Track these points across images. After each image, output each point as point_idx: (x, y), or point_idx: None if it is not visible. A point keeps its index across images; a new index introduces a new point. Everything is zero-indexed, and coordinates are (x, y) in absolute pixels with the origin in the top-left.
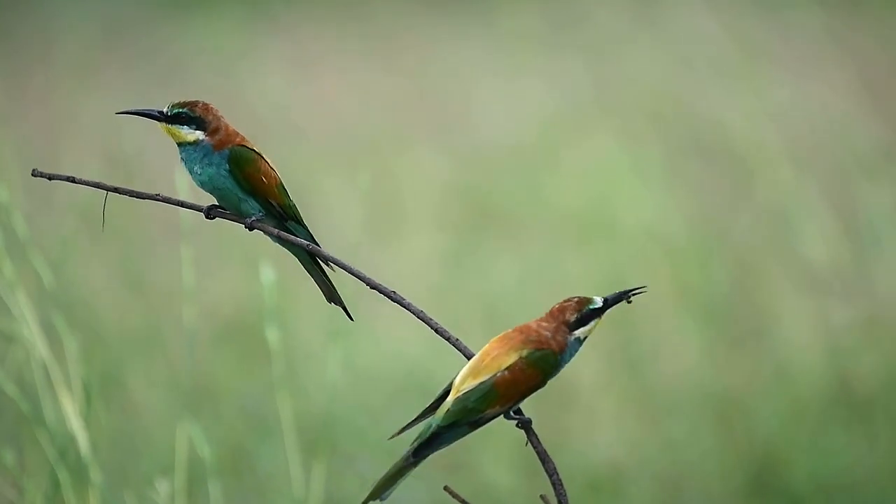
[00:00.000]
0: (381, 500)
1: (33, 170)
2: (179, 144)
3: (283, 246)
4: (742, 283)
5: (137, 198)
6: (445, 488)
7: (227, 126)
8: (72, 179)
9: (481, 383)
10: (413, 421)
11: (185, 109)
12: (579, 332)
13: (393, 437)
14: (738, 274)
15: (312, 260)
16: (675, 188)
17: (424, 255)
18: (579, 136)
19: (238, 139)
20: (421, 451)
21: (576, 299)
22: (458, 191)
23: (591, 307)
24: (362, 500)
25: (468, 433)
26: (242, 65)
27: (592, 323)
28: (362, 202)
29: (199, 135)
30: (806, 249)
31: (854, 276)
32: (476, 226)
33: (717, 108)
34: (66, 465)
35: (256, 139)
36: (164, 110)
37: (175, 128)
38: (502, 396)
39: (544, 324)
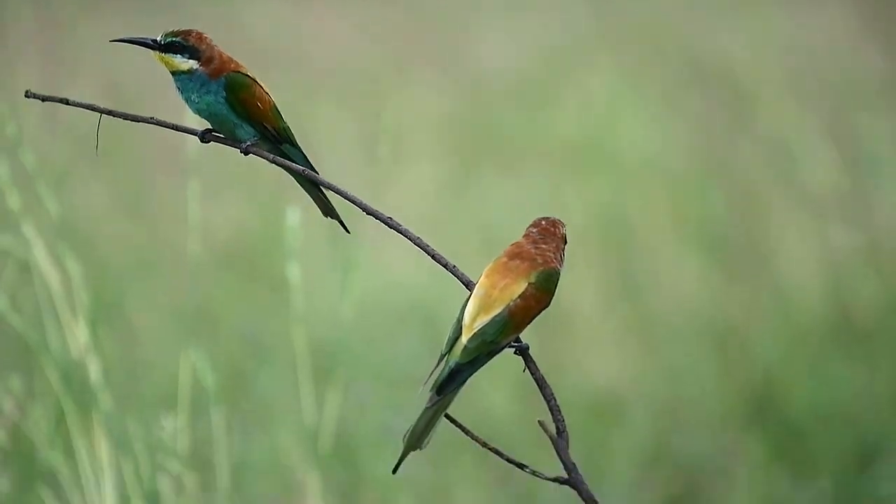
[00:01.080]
0: (421, 448)
1: (26, 91)
2: (173, 73)
3: (281, 165)
4: (742, 212)
5: (132, 120)
6: (446, 416)
7: (220, 54)
8: (65, 101)
9: (496, 316)
10: (431, 373)
11: (178, 38)
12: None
13: (420, 392)
14: (738, 203)
15: (307, 177)
16: (675, 119)
17: (424, 186)
18: (579, 67)
19: (233, 66)
20: (443, 388)
21: (552, 217)
22: (458, 122)
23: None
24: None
25: (486, 363)
26: None
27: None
28: (361, 132)
29: (193, 64)
30: (806, 179)
31: (854, 204)
32: (475, 157)
33: (718, 38)
34: (71, 393)
35: (257, 73)
36: (158, 39)
37: (169, 56)
38: (518, 323)
39: (543, 245)
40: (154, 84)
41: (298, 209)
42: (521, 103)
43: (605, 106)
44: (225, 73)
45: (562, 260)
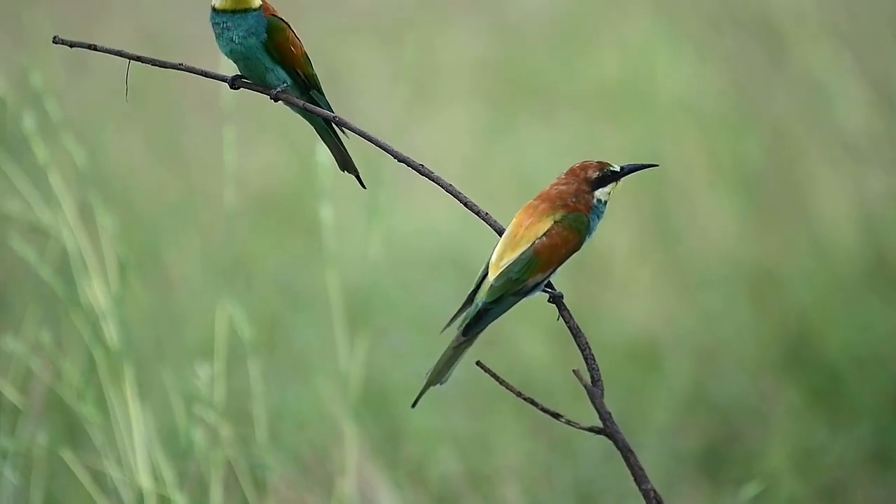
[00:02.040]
0: (441, 384)
1: (54, 37)
2: (230, 12)
3: (304, 116)
4: (777, 155)
5: (160, 66)
6: (478, 363)
7: None
8: (93, 47)
9: (522, 253)
10: (458, 313)
11: None
12: (599, 193)
13: (443, 330)
14: (773, 146)
15: (329, 128)
16: (709, 62)
17: (460, 129)
18: (614, 11)
19: (272, 7)
20: (470, 329)
21: (597, 160)
22: (493, 65)
23: (611, 169)
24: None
25: (513, 304)
26: None
27: (610, 186)
28: (396, 75)
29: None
30: (841, 121)
31: (889, 147)
32: (511, 100)
33: None
34: (101, 345)
35: (291, 16)
36: None
37: None
38: (544, 262)
39: (563, 186)
40: (186, 32)
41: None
42: (556, 47)
43: (639, 50)
44: (268, 15)
45: (586, 202)
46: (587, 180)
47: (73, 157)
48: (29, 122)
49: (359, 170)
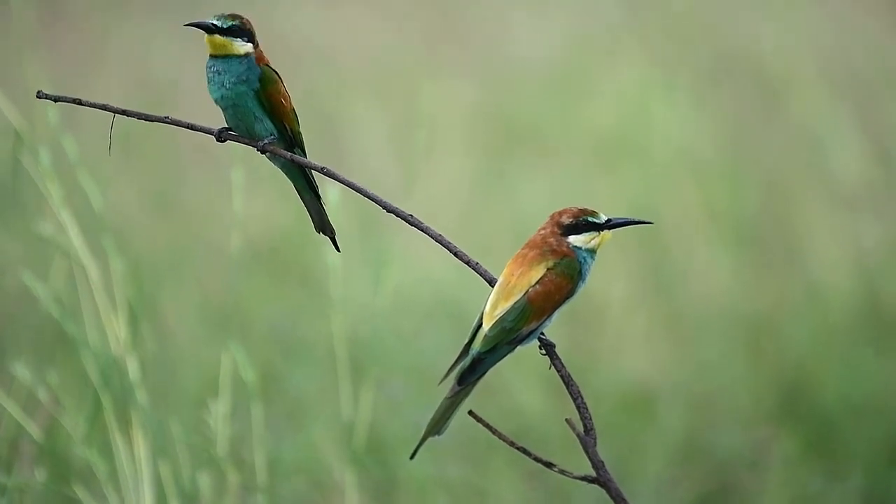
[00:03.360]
0: (439, 435)
1: (38, 92)
2: (220, 57)
3: (285, 172)
4: (772, 204)
5: (145, 120)
6: (470, 412)
7: (259, 44)
8: (78, 101)
9: (516, 302)
10: (454, 364)
11: (236, 22)
12: (574, 240)
13: (441, 382)
14: (768, 195)
15: (310, 188)
16: (705, 111)
17: (455, 178)
18: (610, 58)
19: (266, 59)
20: (465, 379)
21: (579, 207)
22: (489, 113)
23: (590, 219)
24: (420, 433)
25: (508, 353)
26: None
27: (588, 235)
28: (393, 126)
29: (250, 47)
30: (836, 171)
31: (884, 196)
32: (506, 148)
33: (748, 29)
34: (110, 388)
35: (285, 67)
36: (216, 22)
37: (229, 40)
38: (538, 310)
39: (544, 231)
40: (186, 80)
41: (337, 190)
42: (551, 94)
43: (635, 97)
44: (261, 64)
45: (567, 246)
46: (559, 224)
47: (87, 197)
48: (45, 159)
49: (330, 235)
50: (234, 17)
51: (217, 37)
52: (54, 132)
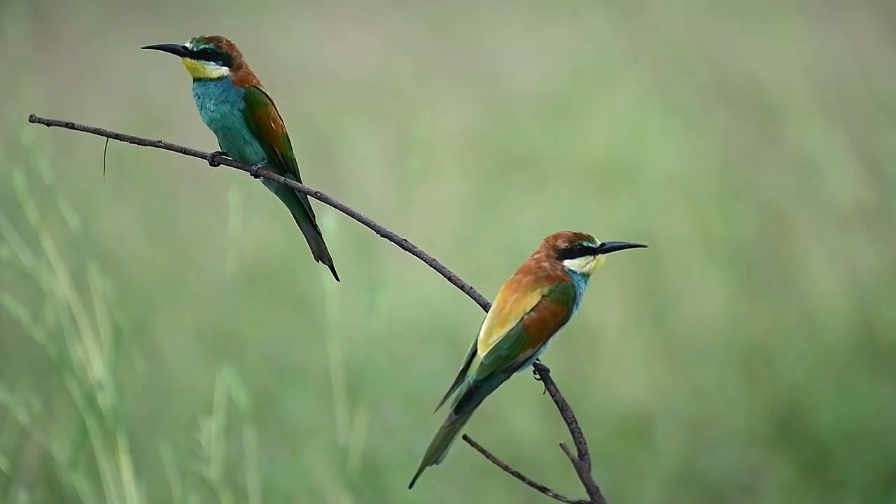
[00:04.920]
0: (437, 464)
1: (30, 116)
2: (198, 79)
3: (281, 198)
4: (767, 229)
5: (138, 144)
6: (465, 437)
7: (246, 65)
8: (71, 126)
9: (511, 330)
10: (450, 391)
11: (210, 45)
12: (569, 264)
13: (436, 409)
14: (763, 220)
15: (306, 216)
16: (700, 136)
17: (450, 203)
18: (605, 84)
19: (255, 81)
20: (462, 407)
21: (574, 232)
22: (484, 138)
23: (585, 243)
24: (417, 463)
25: (504, 380)
26: (269, 16)
27: (583, 259)
28: (387, 150)
29: (225, 71)
30: (831, 195)
31: (880, 222)
32: (501, 173)
33: (743, 55)
34: (94, 413)
35: (283, 90)
36: (188, 45)
37: (201, 63)
38: (533, 337)
39: (539, 255)
40: (181, 103)
41: (333, 216)
42: (546, 120)
43: (630, 123)
44: (246, 85)
45: (562, 270)
46: (555, 248)
47: (66, 221)
48: (20, 184)
49: (329, 263)
50: (210, 39)
51: (188, 60)
52: (29, 154)
